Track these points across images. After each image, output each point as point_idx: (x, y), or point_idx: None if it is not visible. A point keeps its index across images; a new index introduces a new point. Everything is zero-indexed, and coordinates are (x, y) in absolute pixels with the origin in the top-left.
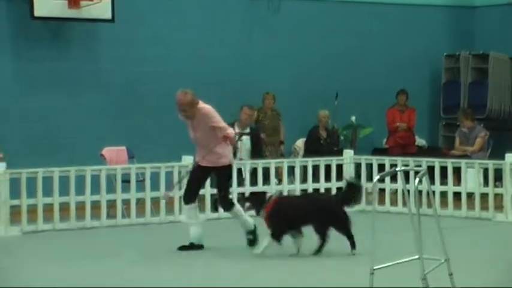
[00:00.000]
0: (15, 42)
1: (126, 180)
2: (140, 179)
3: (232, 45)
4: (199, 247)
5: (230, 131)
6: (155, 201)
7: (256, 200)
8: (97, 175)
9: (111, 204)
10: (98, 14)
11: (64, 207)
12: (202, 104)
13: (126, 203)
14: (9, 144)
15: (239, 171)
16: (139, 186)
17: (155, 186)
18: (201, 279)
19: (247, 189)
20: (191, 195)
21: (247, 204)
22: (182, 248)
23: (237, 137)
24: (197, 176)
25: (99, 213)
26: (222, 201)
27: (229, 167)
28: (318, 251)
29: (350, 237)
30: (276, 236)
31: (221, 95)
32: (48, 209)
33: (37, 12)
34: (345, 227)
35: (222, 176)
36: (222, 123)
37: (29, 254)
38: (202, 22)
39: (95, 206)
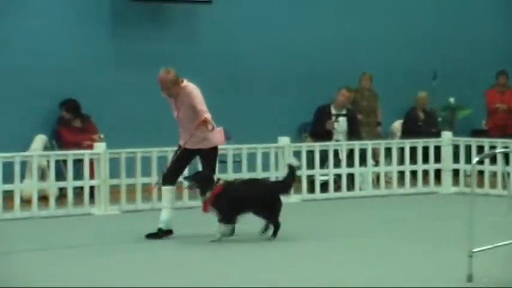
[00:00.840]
0: (114, 24)
1: (223, 161)
2: (237, 159)
3: (329, 25)
4: (168, 232)
5: (207, 115)
6: None
7: (203, 181)
8: None
9: None
10: None
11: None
12: (186, 83)
13: None
14: (109, 124)
15: (335, 152)
16: (236, 167)
17: (252, 167)
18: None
19: (344, 170)
20: (171, 177)
21: (188, 183)
22: (150, 235)
23: (333, 118)
24: (181, 157)
25: (195, 193)
26: None
27: (213, 150)
28: (273, 235)
29: (276, 226)
30: (226, 219)
31: (317, 75)
32: (146, 188)
33: None
34: (274, 215)
35: (205, 158)
36: (202, 106)
37: (128, 232)
38: (299, 2)
39: None
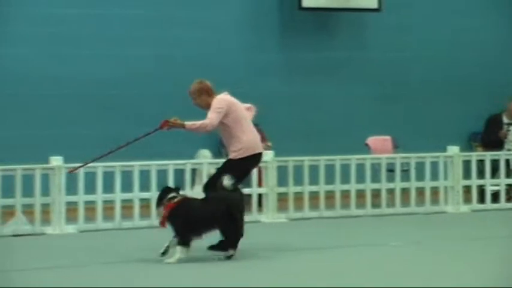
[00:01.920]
0: (283, 33)
1: (390, 170)
2: (405, 168)
3: (500, 31)
4: None
5: (206, 121)
6: (420, 191)
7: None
8: (362, 164)
9: (376, 193)
10: (364, 4)
11: (329, 195)
12: (220, 96)
13: (390, 192)
14: (277, 133)
15: (507, 162)
16: (404, 176)
17: (420, 176)
18: None
19: (503, 181)
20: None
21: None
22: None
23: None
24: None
25: (363, 202)
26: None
27: (229, 161)
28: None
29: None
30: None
31: (488, 83)
32: (313, 196)
33: (305, 3)
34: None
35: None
36: (210, 113)
37: (294, 240)
38: (463, 8)
39: (360, 194)
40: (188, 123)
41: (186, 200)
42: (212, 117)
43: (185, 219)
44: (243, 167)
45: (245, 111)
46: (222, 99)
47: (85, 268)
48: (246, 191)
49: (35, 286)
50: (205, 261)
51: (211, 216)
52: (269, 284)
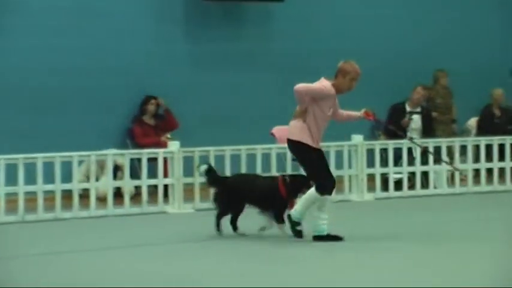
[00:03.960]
0: (187, 24)
1: (295, 159)
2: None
3: (399, 23)
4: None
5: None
6: None
7: None
8: (267, 153)
9: None
10: None
11: None
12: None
13: None
14: (184, 123)
15: (409, 150)
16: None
17: None
18: None
19: (418, 168)
20: None
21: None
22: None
23: (408, 116)
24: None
25: None
26: None
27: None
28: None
29: None
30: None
31: (390, 74)
32: None
33: None
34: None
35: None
36: None
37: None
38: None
39: None
40: None
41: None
42: None
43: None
44: None
45: None
46: None
47: None
48: (151, 181)
49: None
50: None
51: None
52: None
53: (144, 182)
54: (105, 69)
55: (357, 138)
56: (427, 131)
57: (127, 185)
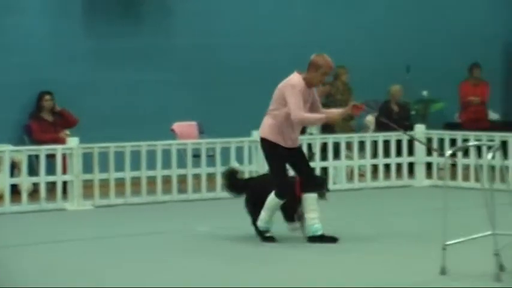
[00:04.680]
0: (87, 19)
1: (196, 155)
2: (210, 154)
3: (301, 18)
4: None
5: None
6: None
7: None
8: (168, 150)
9: (182, 179)
10: None
11: (135, 182)
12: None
13: (196, 177)
14: (83, 119)
15: (309, 146)
16: (209, 161)
17: (225, 161)
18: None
19: (318, 164)
20: None
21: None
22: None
23: None
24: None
25: (170, 188)
26: None
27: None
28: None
29: None
30: None
31: (290, 69)
32: (119, 183)
33: None
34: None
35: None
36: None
37: (101, 226)
38: None
39: (166, 180)
40: None
41: None
42: None
43: None
44: None
45: None
46: None
47: None
48: (50, 178)
49: None
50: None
51: None
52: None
53: (42, 178)
54: (2, 65)
55: (257, 134)
56: (327, 127)
57: (25, 182)
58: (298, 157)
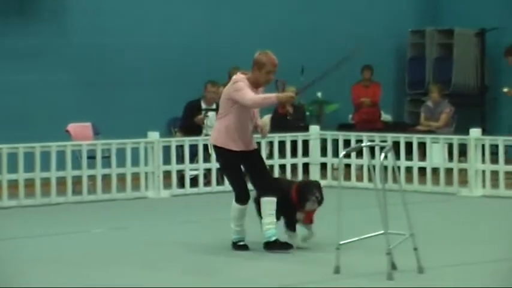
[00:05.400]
0: None
1: (91, 157)
2: (106, 155)
3: (198, 20)
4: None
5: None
6: (121, 178)
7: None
8: (62, 151)
9: (77, 181)
10: None
11: (29, 184)
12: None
13: (91, 179)
14: None
15: (205, 147)
16: (105, 162)
17: (121, 163)
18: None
19: (214, 165)
20: None
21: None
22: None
23: (203, 113)
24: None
25: (64, 190)
26: None
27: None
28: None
29: None
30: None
31: (186, 71)
32: (12, 185)
33: None
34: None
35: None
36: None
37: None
38: None
39: (61, 182)
40: None
41: None
42: None
43: None
44: None
45: None
46: None
47: None
48: None
49: None
50: None
51: None
52: None
53: None
54: None
55: (153, 135)
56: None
57: None
58: (253, 160)
